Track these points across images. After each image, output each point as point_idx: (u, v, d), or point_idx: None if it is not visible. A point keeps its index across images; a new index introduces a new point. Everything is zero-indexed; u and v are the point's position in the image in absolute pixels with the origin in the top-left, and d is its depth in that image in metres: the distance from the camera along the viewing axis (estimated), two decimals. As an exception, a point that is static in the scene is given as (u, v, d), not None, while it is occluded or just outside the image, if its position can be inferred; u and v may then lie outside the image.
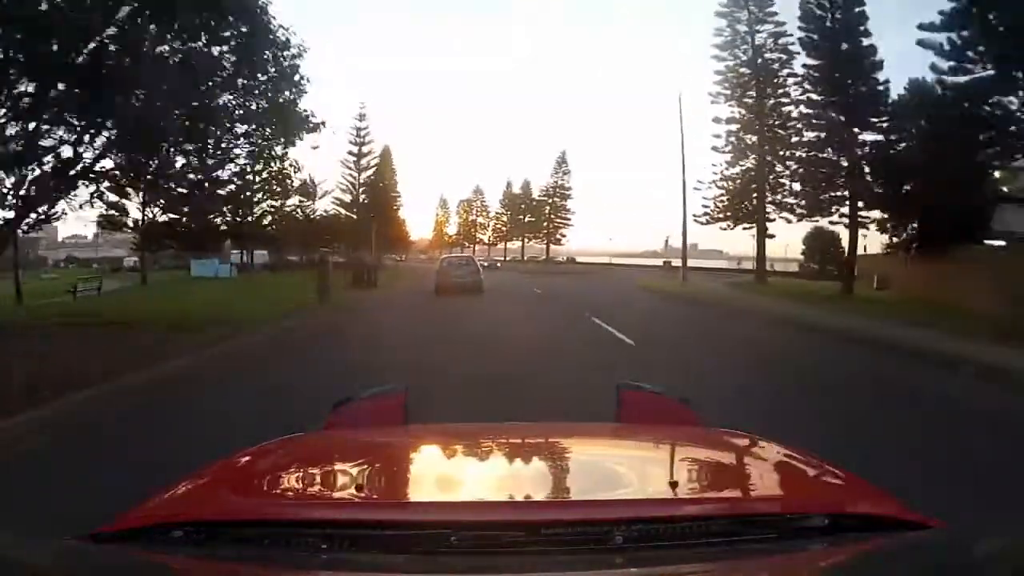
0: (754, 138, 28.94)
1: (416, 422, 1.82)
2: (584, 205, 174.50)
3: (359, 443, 1.52)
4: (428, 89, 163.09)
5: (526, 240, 74.59)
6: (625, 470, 1.29)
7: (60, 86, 8.15)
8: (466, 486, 1.19)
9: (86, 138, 8.87)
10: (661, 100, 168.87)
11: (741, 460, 1.39)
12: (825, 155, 22.65)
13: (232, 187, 33.81)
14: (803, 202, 25.75)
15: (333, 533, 0.88)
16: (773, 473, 1.29)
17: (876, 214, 20.90)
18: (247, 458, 1.33)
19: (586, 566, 0.82)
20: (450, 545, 0.85)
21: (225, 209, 44.49)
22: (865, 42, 21.08)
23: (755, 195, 29.15)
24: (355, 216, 52.64)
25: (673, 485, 1.05)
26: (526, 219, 72.98)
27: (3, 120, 8.09)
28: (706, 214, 30.00)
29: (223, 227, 46.27)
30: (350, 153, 52.66)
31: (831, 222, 22.41)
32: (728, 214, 29.70)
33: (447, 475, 1.27)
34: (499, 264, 54.46)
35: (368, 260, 28.07)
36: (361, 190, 53.05)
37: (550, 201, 68.08)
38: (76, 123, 8.66)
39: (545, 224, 68.84)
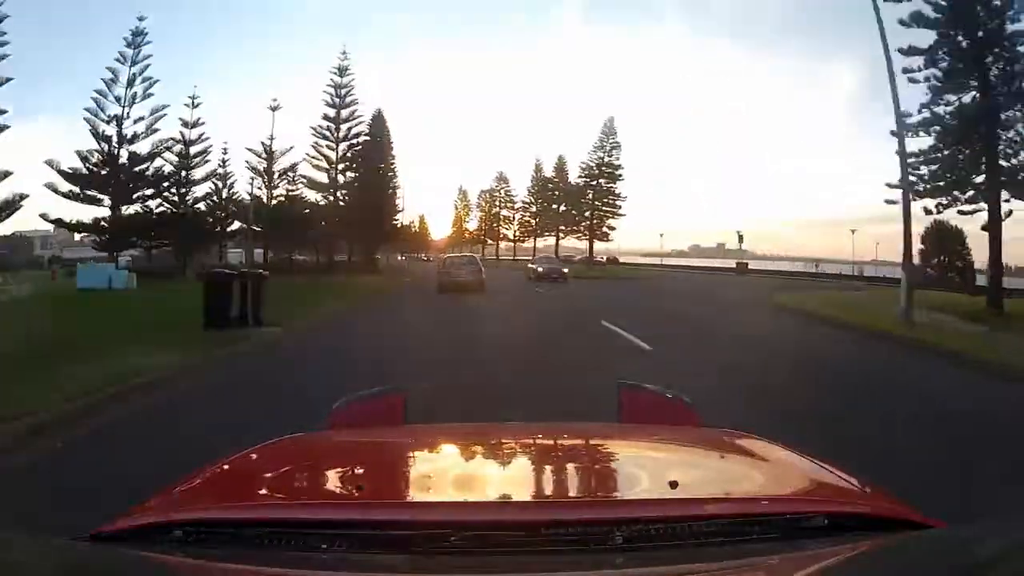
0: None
1: (416, 422, 1.87)
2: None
3: (359, 443, 1.55)
4: (444, 63, 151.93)
5: (561, 235, 61.23)
6: (625, 470, 1.33)
7: None
8: (466, 486, 1.20)
9: None
10: (717, 70, 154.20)
11: (741, 460, 1.39)
12: None
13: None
14: None
15: (333, 533, 0.89)
16: (773, 473, 1.30)
17: None
18: (247, 458, 1.35)
19: (586, 566, 0.84)
20: (450, 545, 0.86)
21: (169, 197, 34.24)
22: None
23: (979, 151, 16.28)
24: (333, 200, 40.89)
25: (673, 485, 1.06)
26: (560, 209, 59.90)
27: None
28: (921, 181, 16.76)
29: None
30: (325, 118, 40.88)
31: None
32: (944, 182, 16.58)
33: (447, 475, 1.28)
34: (566, 270, 29.91)
35: (252, 268, 14.03)
36: (341, 167, 41.22)
37: (593, 184, 54.59)
38: None
39: (587, 215, 55.25)
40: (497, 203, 79.31)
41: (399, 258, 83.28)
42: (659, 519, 0.91)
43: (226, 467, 1.30)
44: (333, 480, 1.28)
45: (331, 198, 40.83)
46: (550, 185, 61.54)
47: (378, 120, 45.77)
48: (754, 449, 1.42)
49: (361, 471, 1.32)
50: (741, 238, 50.58)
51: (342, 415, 1.74)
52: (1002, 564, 0.76)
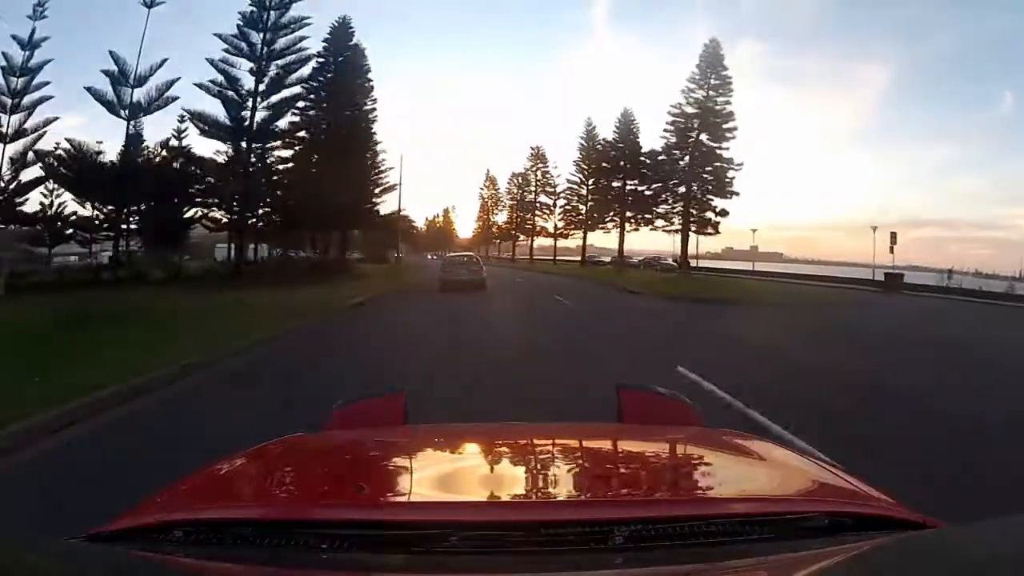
0: None
1: (416, 422, 1.87)
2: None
3: (359, 443, 1.55)
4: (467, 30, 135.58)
5: (631, 226, 42.04)
6: (625, 470, 1.35)
7: None
8: (466, 486, 1.22)
9: None
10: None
11: (741, 460, 1.40)
12: None
13: None
14: None
15: (333, 533, 0.90)
16: (773, 473, 1.31)
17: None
18: (247, 458, 1.37)
19: (586, 566, 0.84)
20: (450, 545, 0.87)
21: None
22: None
23: None
24: (242, 155, 24.00)
25: (673, 485, 1.09)
26: (626, 187, 41.47)
27: None
28: None
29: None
30: (243, 19, 24.13)
31: None
32: None
33: (447, 475, 1.29)
34: None
35: None
36: (263, 104, 24.35)
37: (690, 140, 33.48)
38: None
39: (681, 191, 34.08)
40: (532, 187, 62.02)
41: (429, 257, 68.58)
42: (659, 519, 0.92)
43: (226, 467, 1.31)
44: (333, 480, 1.26)
45: (240, 151, 23.94)
46: (613, 152, 42.84)
47: (341, 35, 28.96)
48: (754, 449, 1.44)
49: (361, 471, 1.31)
50: (894, 239, 32.47)
51: (342, 415, 1.75)
52: (1002, 564, 0.75)
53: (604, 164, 43.61)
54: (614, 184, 42.82)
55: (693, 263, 48.30)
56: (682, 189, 32.32)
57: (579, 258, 57.18)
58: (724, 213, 30.36)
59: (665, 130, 34.08)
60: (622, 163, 41.33)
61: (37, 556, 0.84)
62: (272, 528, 0.93)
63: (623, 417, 1.78)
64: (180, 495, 1.13)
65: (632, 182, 40.79)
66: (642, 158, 39.24)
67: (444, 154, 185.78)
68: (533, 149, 62.51)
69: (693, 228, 31.90)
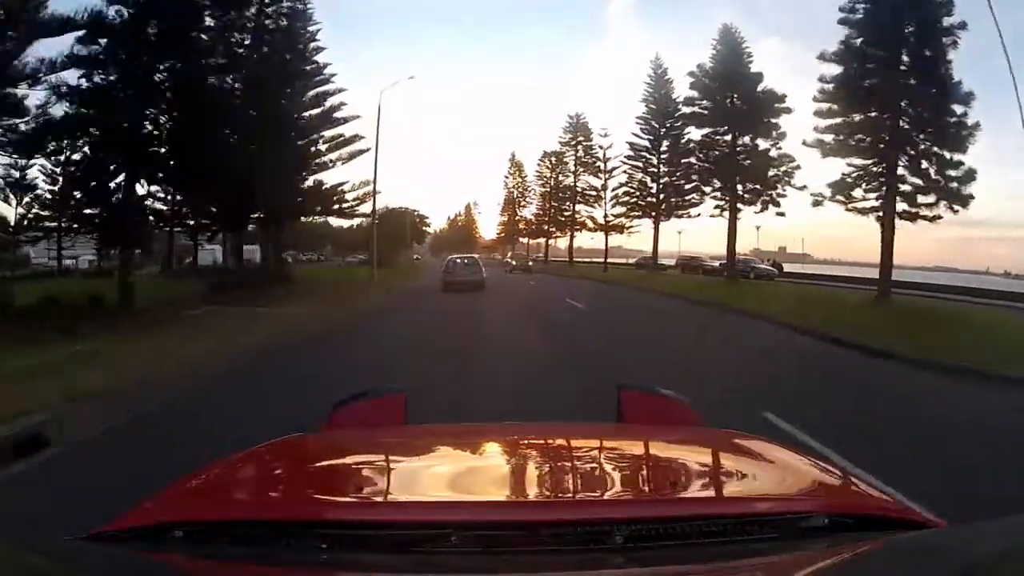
0: None
1: (416, 422, 1.89)
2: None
3: (359, 443, 1.57)
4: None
5: (742, 208, 26.16)
6: (625, 470, 1.36)
7: None
8: (466, 486, 1.23)
9: None
10: None
11: (741, 460, 1.41)
12: None
13: None
14: None
15: (333, 533, 0.92)
16: (773, 473, 1.32)
17: None
18: (247, 459, 1.38)
19: (586, 566, 0.85)
20: (450, 545, 0.88)
21: None
22: None
23: None
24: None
25: (673, 485, 1.10)
26: (738, 143, 25.86)
27: None
28: None
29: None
30: None
31: None
32: None
33: (447, 475, 1.30)
34: None
35: None
36: None
37: (899, 38, 15.18)
38: None
39: (916, 135, 15.20)
40: (572, 167, 48.03)
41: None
42: (659, 519, 0.92)
43: (226, 467, 1.31)
44: (333, 480, 1.27)
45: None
46: (713, 86, 26.37)
47: None
48: (754, 449, 1.43)
49: (361, 471, 1.32)
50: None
51: (342, 415, 1.77)
52: (1002, 564, 0.76)
53: (696, 109, 28.14)
54: (716, 139, 27.33)
55: (743, 264, 34.17)
56: (918, 135, 15.71)
57: (625, 261, 44.17)
58: (971, 177, 15.57)
59: (841, 22, 17.16)
60: (729, 102, 26.12)
61: (37, 556, 0.86)
62: (272, 528, 0.92)
63: (623, 417, 1.80)
64: (180, 495, 1.13)
65: (746, 137, 25.96)
66: (761, 94, 24.32)
67: (470, 152, 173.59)
68: (571, 118, 48.50)
69: (903, 209, 16.15)
